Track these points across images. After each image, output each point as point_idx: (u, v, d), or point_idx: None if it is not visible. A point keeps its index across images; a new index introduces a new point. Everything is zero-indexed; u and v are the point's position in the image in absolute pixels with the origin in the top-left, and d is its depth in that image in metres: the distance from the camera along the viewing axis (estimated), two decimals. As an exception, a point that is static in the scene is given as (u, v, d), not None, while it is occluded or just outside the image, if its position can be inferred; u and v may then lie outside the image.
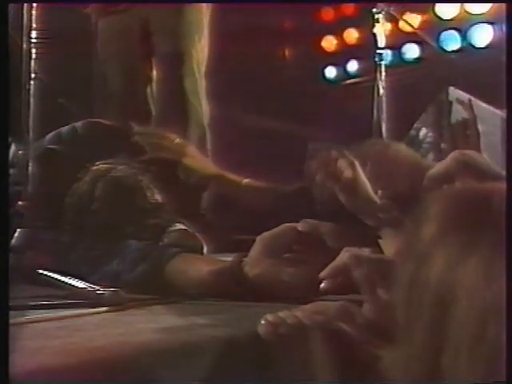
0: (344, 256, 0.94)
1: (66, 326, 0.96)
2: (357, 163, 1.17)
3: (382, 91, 2.62)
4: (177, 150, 1.48)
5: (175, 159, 1.46)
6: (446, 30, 3.95)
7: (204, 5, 2.38)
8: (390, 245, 1.11)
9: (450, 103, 2.03)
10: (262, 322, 0.91)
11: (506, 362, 0.42)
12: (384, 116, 2.57)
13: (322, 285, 0.96)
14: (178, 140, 1.49)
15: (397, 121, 2.62)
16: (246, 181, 1.46)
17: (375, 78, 2.65)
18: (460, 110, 1.99)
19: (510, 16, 1.45)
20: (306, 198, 1.26)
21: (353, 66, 4.33)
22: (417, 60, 3.98)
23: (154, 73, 2.36)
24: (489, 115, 2.14)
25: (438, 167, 0.94)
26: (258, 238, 1.23)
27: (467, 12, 3.94)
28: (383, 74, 2.63)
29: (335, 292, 0.99)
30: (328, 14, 4.47)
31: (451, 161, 0.93)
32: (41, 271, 1.32)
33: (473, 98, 2.09)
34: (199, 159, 1.50)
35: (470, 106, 1.88)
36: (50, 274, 1.30)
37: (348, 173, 1.16)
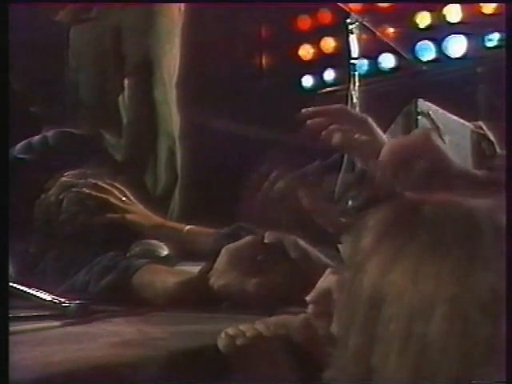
0: (331, 279, 0.93)
1: (28, 341, 0.95)
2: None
3: (355, 100, 2.64)
4: (121, 208, 1.54)
5: (118, 218, 1.52)
6: (421, 40, 3.99)
7: (176, 13, 2.38)
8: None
9: (418, 114, 2.06)
10: (222, 335, 0.92)
11: (506, 362, 0.44)
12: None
13: (309, 308, 0.95)
14: (123, 197, 1.55)
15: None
16: (187, 228, 1.51)
17: (348, 88, 2.67)
18: (427, 122, 2.02)
19: (510, 16, 1.46)
20: (241, 237, 1.30)
21: (330, 74, 4.35)
22: (393, 70, 4.01)
23: (126, 82, 2.36)
24: (457, 126, 2.17)
25: (403, 139, 0.92)
26: (224, 250, 1.25)
27: (445, 20, 3.97)
28: (357, 83, 2.65)
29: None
30: (305, 22, 4.49)
31: (417, 136, 0.91)
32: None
33: (436, 110, 2.12)
34: (142, 214, 1.56)
35: (431, 117, 1.91)
36: (15, 285, 1.29)
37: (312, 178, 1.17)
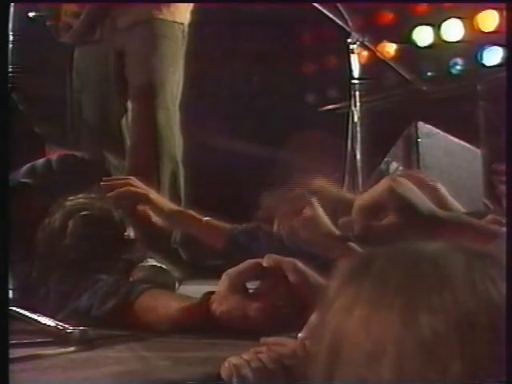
0: None
1: (32, 369, 0.95)
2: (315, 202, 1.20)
3: (356, 120, 2.66)
4: (142, 193, 1.57)
5: (143, 196, 1.56)
6: (422, 58, 4.01)
7: (180, 36, 2.39)
8: None
9: (419, 137, 2.07)
10: (225, 364, 0.92)
11: (506, 362, 0.45)
12: (358, 144, 2.60)
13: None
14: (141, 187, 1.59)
15: (371, 147, 2.65)
16: (206, 218, 1.52)
17: (349, 106, 2.69)
18: (428, 144, 2.03)
19: (510, 16, 1.47)
20: (259, 236, 1.30)
21: (333, 91, 4.37)
22: (393, 88, 4.03)
23: (129, 103, 2.37)
24: (458, 148, 2.18)
25: (367, 196, 0.92)
26: (224, 275, 1.25)
27: (444, 40, 3.99)
28: (358, 103, 2.67)
29: None
30: (308, 39, 4.52)
31: (382, 189, 0.91)
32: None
33: (437, 133, 2.13)
34: (162, 200, 1.60)
35: (436, 140, 1.93)
36: (18, 309, 1.30)
37: (307, 211, 1.18)
